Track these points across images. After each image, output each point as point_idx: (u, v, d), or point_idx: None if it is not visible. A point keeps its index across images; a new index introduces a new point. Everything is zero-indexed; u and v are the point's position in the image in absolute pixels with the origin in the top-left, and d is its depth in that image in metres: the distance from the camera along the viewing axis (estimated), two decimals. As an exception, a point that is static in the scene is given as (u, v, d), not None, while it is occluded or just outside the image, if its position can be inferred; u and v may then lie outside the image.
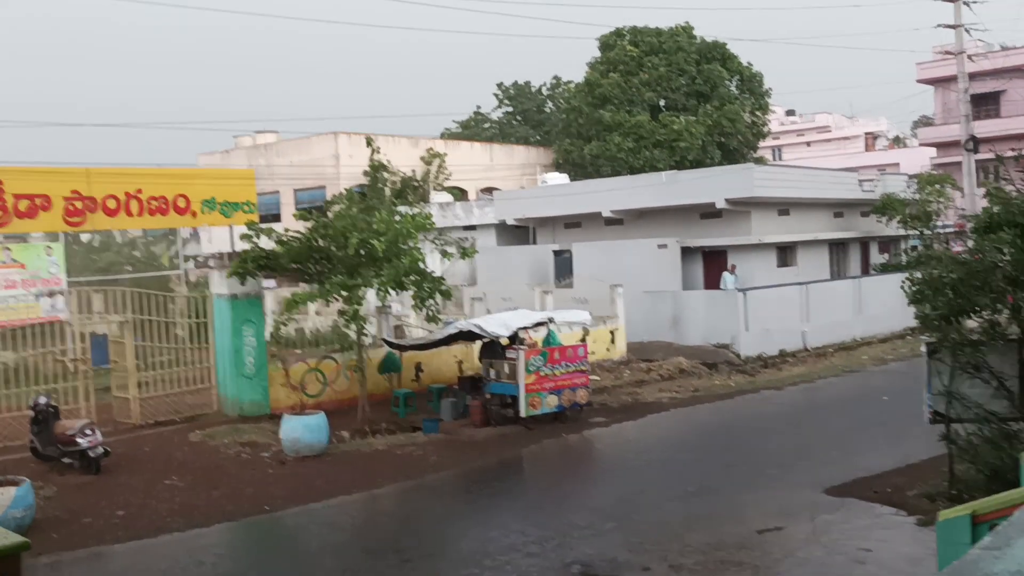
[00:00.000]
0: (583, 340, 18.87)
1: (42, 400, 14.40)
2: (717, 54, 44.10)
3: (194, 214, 18.08)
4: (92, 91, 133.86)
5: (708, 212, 28.70)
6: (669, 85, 43.14)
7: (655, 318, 25.53)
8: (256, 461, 14.73)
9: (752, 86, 44.92)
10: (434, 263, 20.67)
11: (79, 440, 13.64)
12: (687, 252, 28.25)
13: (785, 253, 29.88)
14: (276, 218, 36.49)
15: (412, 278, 16.79)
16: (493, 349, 17.59)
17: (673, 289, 26.92)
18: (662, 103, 44.00)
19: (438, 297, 17.19)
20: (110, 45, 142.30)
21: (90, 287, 26.75)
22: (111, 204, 16.89)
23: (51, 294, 23.78)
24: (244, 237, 17.16)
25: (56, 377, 17.32)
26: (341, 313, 16.68)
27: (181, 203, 17.77)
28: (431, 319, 17.73)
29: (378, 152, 21.65)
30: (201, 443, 15.79)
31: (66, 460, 13.85)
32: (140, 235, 42.59)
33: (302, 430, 14.92)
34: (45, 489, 12.74)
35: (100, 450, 13.87)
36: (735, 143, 42.75)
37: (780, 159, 70.51)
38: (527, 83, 58.29)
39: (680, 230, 28.93)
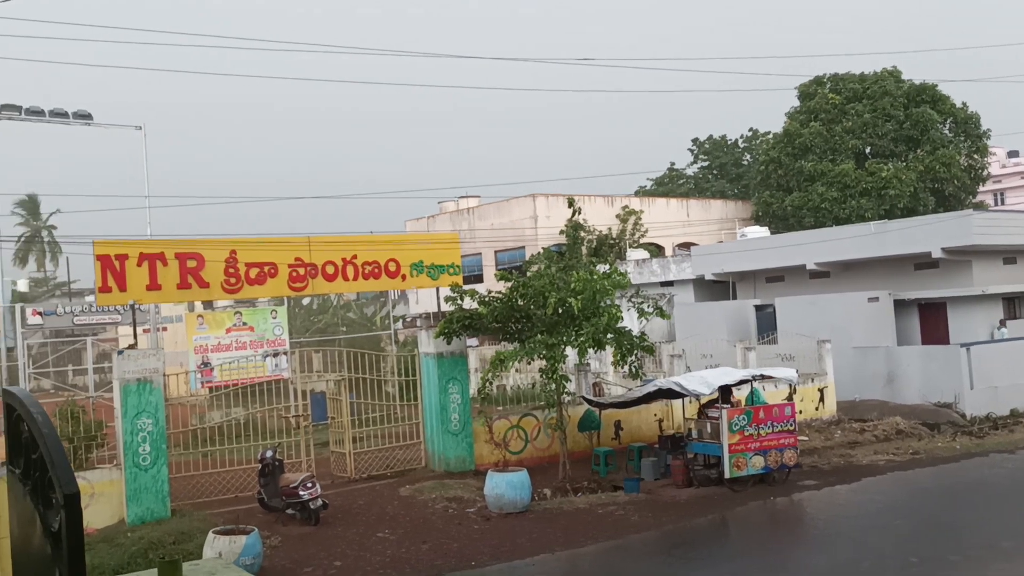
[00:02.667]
0: (790, 398, 18.22)
1: (269, 454, 15.47)
2: (927, 96, 41.97)
3: (403, 277, 19.04)
4: (309, 163, 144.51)
5: (923, 263, 27.13)
6: (875, 131, 41.40)
7: (866, 375, 24.25)
8: (462, 516, 15.11)
9: (968, 128, 42.31)
10: (631, 320, 20.68)
11: (301, 492, 14.53)
12: (900, 305, 26.75)
13: (1013, 304, 27.64)
14: (478, 279, 37.79)
15: (610, 336, 16.89)
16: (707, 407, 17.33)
17: (886, 344, 25.51)
18: (868, 150, 42.25)
19: (639, 353, 17.19)
20: (328, 118, 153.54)
21: (310, 347, 28.68)
22: (330, 270, 18.10)
23: (276, 354, 25.71)
24: (448, 299, 17.90)
25: (280, 432, 18.59)
26: (542, 371, 16.97)
27: (392, 267, 18.78)
28: (634, 375, 17.71)
29: (579, 212, 22.03)
30: (410, 497, 16.39)
31: (289, 511, 14.77)
32: (354, 298, 45.22)
33: (506, 487, 15.20)
34: (271, 538, 13.62)
35: (319, 502, 14.69)
36: (951, 189, 40.29)
37: (1003, 204, 65.57)
38: (723, 137, 57.66)
39: (891, 282, 27.47)
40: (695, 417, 17.64)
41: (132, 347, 15.92)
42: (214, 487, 16.95)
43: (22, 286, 54.53)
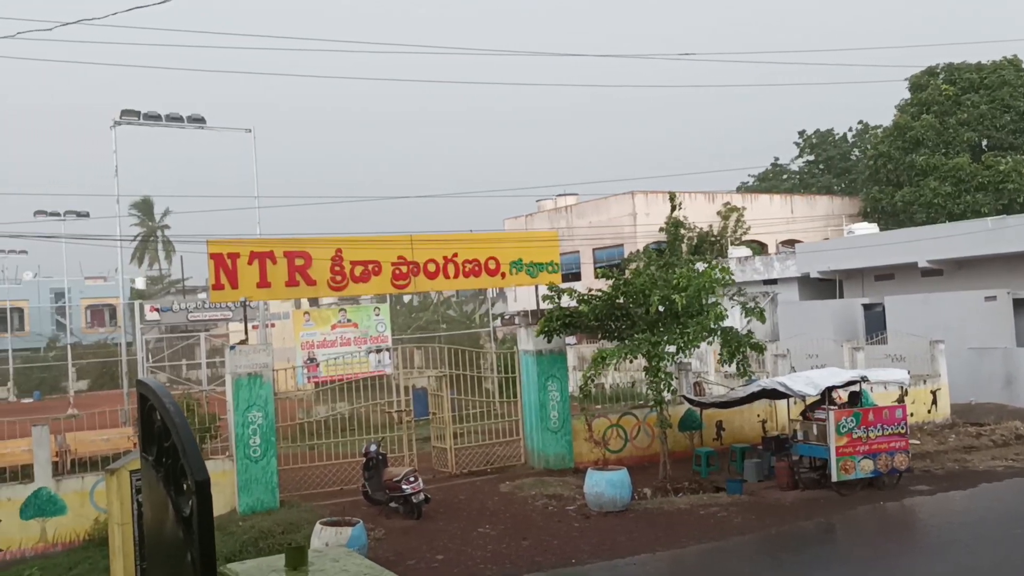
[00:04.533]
0: (900, 400, 17.58)
1: (373, 448, 15.79)
2: (1051, 84, 39.90)
3: (503, 275, 19.15)
4: (405, 164, 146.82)
5: (1045, 260, 25.82)
6: (992, 123, 39.60)
7: (982, 377, 23.25)
8: (561, 514, 15.12)
9: (1095, 118, 40.06)
10: (734, 319, 20.34)
11: (404, 486, 14.80)
12: (1020, 304, 25.51)
13: None
14: (576, 277, 37.72)
15: (716, 334, 16.67)
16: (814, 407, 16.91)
17: (1004, 345, 24.37)
18: (984, 143, 40.42)
19: (746, 351, 16.91)
20: (418, 119, 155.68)
21: (411, 344, 29.14)
22: (431, 268, 18.34)
23: (379, 350, 26.26)
24: (546, 298, 17.94)
25: (383, 427, 18.95)
26: (645, 370, 16.84)
27: (492, 265, 18.91)
28: (742, 374, 17.42)
29: (681, 208, 21.76)
30: (510, 494, 16.49)
31: (392, 505, 15.06)
32: (453, 295, 45.79)
33: (605, 485, 15.14)
34: (375, 531, 13.90)
35: (422, 497, 14.94)
36: (1075, 181, 38.19)
37: None
38: (830, 130, 56.05)
39: (1010, 280, 26.24)
40: (800, 418, 17.22)
41: (243, 343, 16.47)
42: (320, 479, 17.40)
43: (140, 284, 57.07)
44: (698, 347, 16.97)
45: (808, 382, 16.54)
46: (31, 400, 42.09)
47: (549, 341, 18.25)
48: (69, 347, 41.77)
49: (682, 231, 37.12)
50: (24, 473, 15.42)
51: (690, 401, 19.37)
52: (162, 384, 2.97)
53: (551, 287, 17.93)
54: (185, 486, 2.59)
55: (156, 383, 3.01)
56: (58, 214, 36.24)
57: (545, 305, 18.32)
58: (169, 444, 2.72)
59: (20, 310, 53.44)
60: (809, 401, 17.11)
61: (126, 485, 11.30)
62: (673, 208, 20.83)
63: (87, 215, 36.44)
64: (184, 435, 2.60)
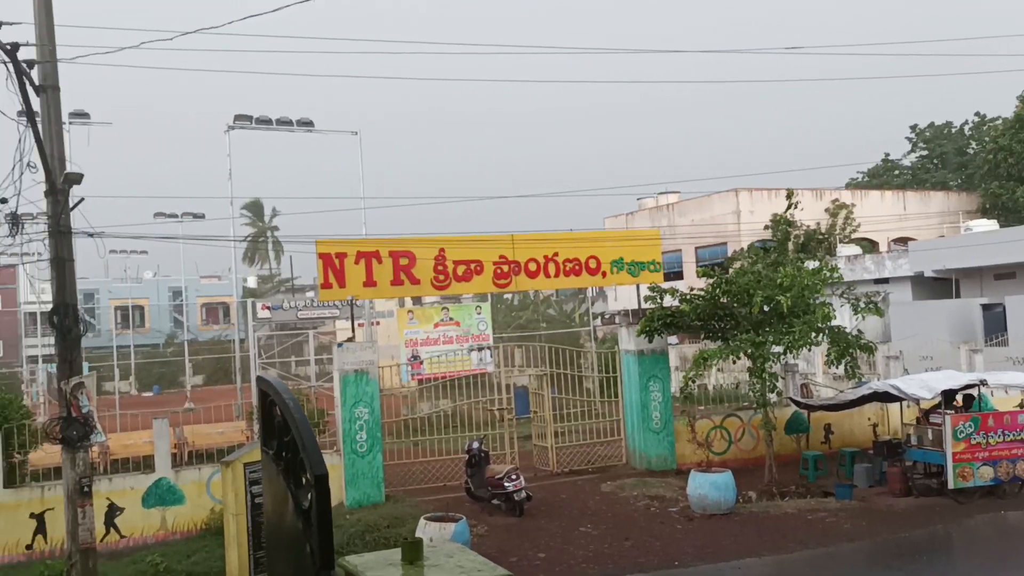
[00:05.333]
0: (1022, 406, 16.78)
1: (475, 445, 15.97)
2: None
3: (604, 274, 19.07)
4: (514, 160, 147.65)
5: None
6: (1125, 112, 37.37)
7: (1115, 382, 21.92)
8: (664, 515, 14.98)
9: None
10: (843, 318, 19.75)
11: (506, 484, 14.91)
12: None
13: None
14: (678, 276, 37.25)
15: (823, 334, 16.23)
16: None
17: None
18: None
19: (855, 353, 16.41)
20: (516, 119, 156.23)
21: (511, 343, 29.32)
22: (532, 267, 18.41)
23: (480, 349, 26.53)
24: (648, 298, 17.78)
25: (484, 424, 19.13)
26: (749, 371, 16.53)
27: (592, 264, 18.85)
28: (851, 376, 16.92)
29: (796, 207, 21.23)
30: (612, 493, 16.43)
31: (495, 502, 15.19)
32: (552, 295, 45.83)
33: (709, 487, 14.93)
34: (478, 527, 14.06)
35: (523, 494, 15.02)
36: None
37: None
38: (946, 123, 53.81)
39: None
40: (914, 423, 16.61)
41: (350, 340, 16.88)
42: (424, 475, 17.68)
43: (251, 283, 59.11)
44: (805, 348, 16.52)
45: (923, 385, 15.94)
46: (151, 394, 44.09)
47: (650, 341, 18.10)
48: (186, 343, 43.59)
49: (788, 229, 36.30)
50: (146, 464, 16.18)
51: (797, 403, 18.91)
52: (281, 381, 3.08)
53: (653, 286, 17.77)
54: (304, 480, 2.69)
55: (277, 380, 3.13)
56: (176, 216, 37.85)
57: (647, 305, 18.17)
58: (289, 439, 2.83)
59: (141, 308, 56.02)
60: (924, 405, 16.49)
61: (240, 477, 11.74)
62: (789, 206, 20.31)
63: (203, 217, 37.96)
64: (304, 431, 2.70)
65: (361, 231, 27.63)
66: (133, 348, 44.16)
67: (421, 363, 25.73)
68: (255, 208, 62.54)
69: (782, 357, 17.12)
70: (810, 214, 38.94)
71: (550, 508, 15.49)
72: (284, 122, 27.66)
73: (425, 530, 12.58)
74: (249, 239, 61.83)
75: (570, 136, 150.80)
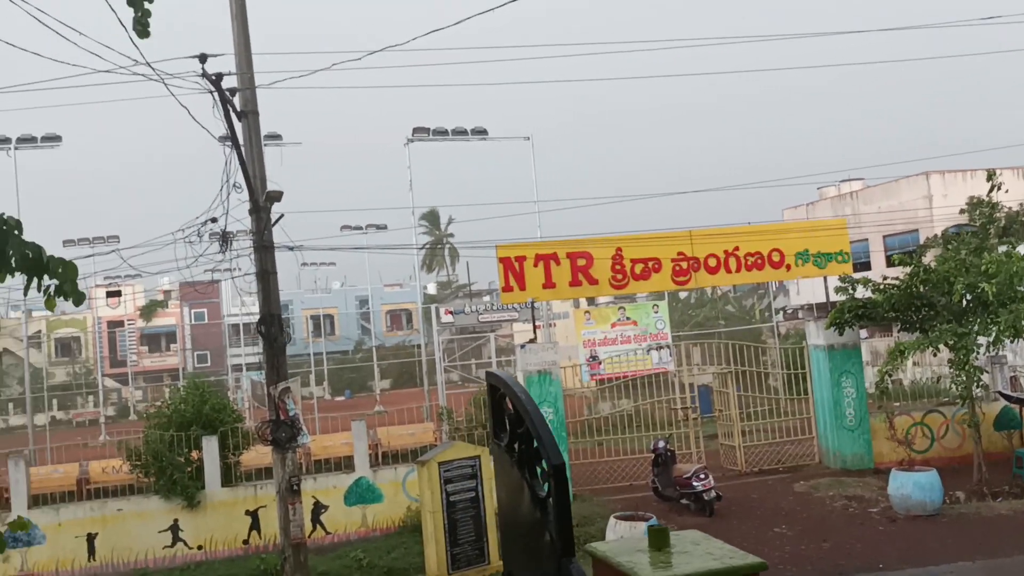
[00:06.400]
0: None
1: (661, 444, 15.85)
2: None
3: (788, 267, 18.49)
4: (685, 156, 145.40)
5: None
6: None
7: None
8: (863, 516, 14.34)
9: None
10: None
11: (694, 483, 14.72)
12: None
13: None
14: (865, 266, 35.52)
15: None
16: None
17: None
18: None
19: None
20: (689, 114, 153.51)
21: (689, 341, 28.90)
22: (711, 263, 18.09)
23: (659, 348, 26.28)
24: (839, 289, 17.07)
25: (666, 424, 18.95)
26: (951, 363, 15.58)
27: (775, 257, 18.32)
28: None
29: (1000, 188, 19.78)
30: (805, 494, 15.89)
31: (683, 501, 15.02)
32: (730, 290, 44.81)
33: (912, 487, 14.16)
34: (668, 527, 13.92)
35: (713, 494, 14.77)
36: None
37: None
38: None
39: None
40: None
41: (532, 341, 17.14)
42: (608, 475, 17.72)
43: (431, 289, 61.08)
44: (1013, 339, 15.36)
45: None
46: (342, 398, 46.35)
47: (841, 334, 17.38)
48: (374, 349, 45.55)
49: (985, 211, 33.89)
50: (345, 464, 17.03)
51: (1007, 397, 17.65)
52: (511, 375, 3.20)
53: (844, 277, 17.04)
54: (538, 469, 2.78)
55: (506, 375, 3.25)
56: (360, 228, 39.61)
57: (836, 297, 17.45)
58: (522, 430, 2.93)
59: (331, 316, 58.99)
60: None
61: (435, 476, 12.18)
62: (992, 188, 19.02)
63: (385, 228, 39.54)
64: (538, 422, 2.80)
65: (536, 234, 28.00)
66: (325, 355, 46.54)
67: (600, 363, 25.76)
68: (432, 217, 64.56)
69: (989, 349, 16.01)
70: (1013, 195, 36.20)
71: (741, 508, 15.15)
72: (459, 132, 28.46)
73: (615, 529, 12.58)
74: (427, 247, 63.94)
75: (742, 125, 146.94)
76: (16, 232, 4.90)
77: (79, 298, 5.06)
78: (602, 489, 17.05)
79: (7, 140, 27.10)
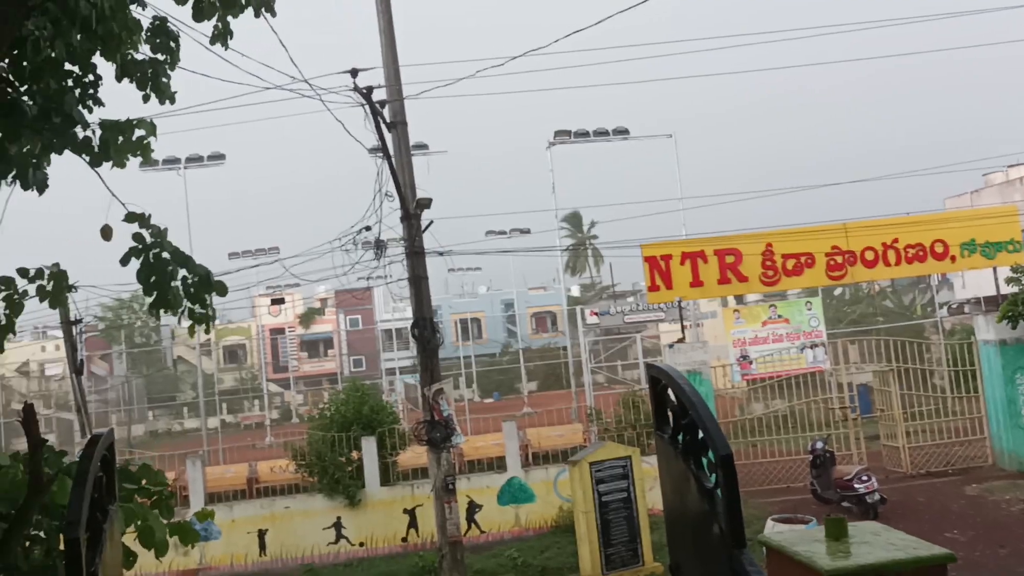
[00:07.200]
0: None
1: (819, 445, 15.34)
2: None
3: (953, 259, 17.57)
4: (836, 146, 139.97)
5: None
6: None
7: None
8: (1045, 522, 13.44)
9: None
10: None
11: (856, 485, 14.17)
12: None
13: None
14: (1038, 256, 33.27)
15: None
16: None
17: None
18: None
19: None
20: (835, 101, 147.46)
21: (844, 338, 27.80)
22: (868, 256, 17.41)
23: (813, 346, 25.39)
24: (1011, 280, 16.06)
25: (823, 424, 18.29)
26: None
27: (938, 248, 17.45)
28: None
29: None
30: (978, 497, 15.02)
31: (844, 504, 14.47)
32: (888, 285, 42.83)
33: (1100, 491, 13.17)
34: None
35: (876, 496, 14.18)
36: None
37: None
38: None
39: None
40: None
41: (680, 341, 16.94)
42: (763, 476, 17.28)
43: (575, 291, 61.19)
44: None
45: None
46: (491, 400, 47.04)
47: (1014, 328, 16.33)
48: (520, 352, 46.05)
49: None
50: (497, 465, 17.31)
51: None
52: (674, 367, 3.21)
53: (1015, 267, 16.04)
54: (704, 460, 2.78)
55: (668, 366, 3.26)
56: (504, 232, 40.17)
57: (1007, 289, 16.43)
58: (687, 421, 2.94)
59: (478, 320, 60.03)
60: None
61: (587, 476, 12.22)
62: None
63: (528, 232, 39.95)
64: (704, 413, 2.80)
65: (681, 232, 27.64)
66: (474, 358, 47.38)
67: (751, 363, 25.13)
68: (574, 220, 64.69)
69: None
70: None
71: (907, 512, 14.47)
72: (600, 133, 28.47)
73: (774, 531, 12.26)
74: (569, 249, 64.09)
75: (897, 111, 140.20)
76: (188, 259, 5.29)
77: (210, 325, 5.47)
78: (757, 491, 16.64)
79: (177, 160, 29.00)
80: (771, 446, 17.89)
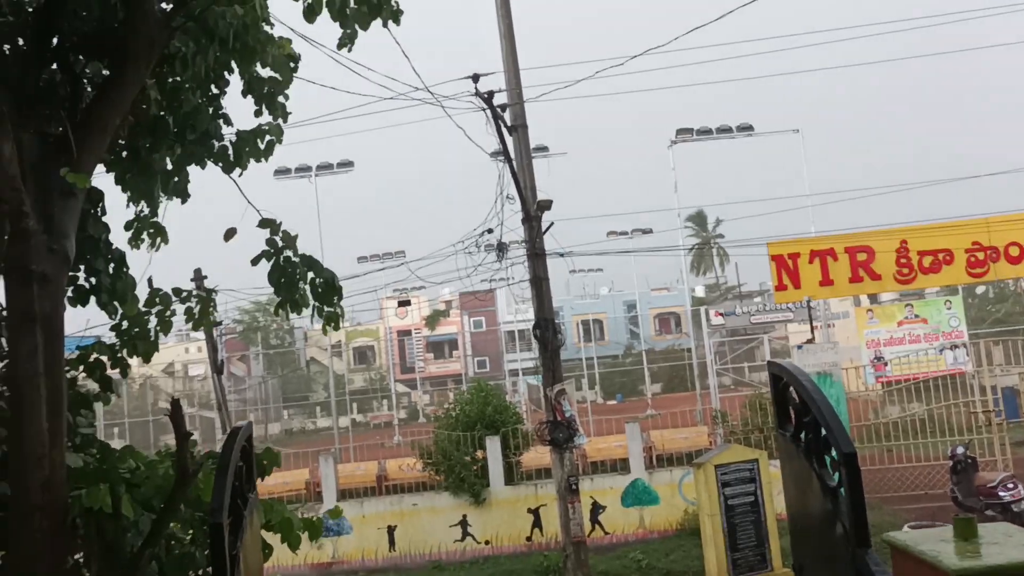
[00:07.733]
0: None
1: (960, 450, 14.64)
2: None
3: (1107, 253, 16.46)
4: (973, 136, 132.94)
5: None
6: None
7: None
8: None
9: None
10: None
11: (1001, 493, 13.47)
12: None
13: None
14: None
15: None
16: None
17: None
18: None
19: None
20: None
21: (989, 339, 26.42)
22: (1013, 252, 16.51)
23: (953, 347, 24.25)
24: None
25: (965, 429, 17.42)
26: None
27: (1091, 242, 16.38)
28: None
29: None
30: None
31: (988, 512, 13.75)
32: (1036, 283, 40.40)
33: None
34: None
35: (1023, 505, 13.43)
36: None
37: None
38: None
39: None
40: None
41: (810, 342, 16.48)
42: (898, 482, 16.61)
43: (699, 291, 60.23)
44: None
45: None
46: (614, 402, 46.82)
47: None
48: (644, 353, 45.67)
49: None
50: (620, 466, 17.24)
51: None
52: (796, 365, 3.16)
53: None
54: (827, 459, 2.73)
55: (790, 363, 3.22)
56: (626, 233, 39.92)
57: None
58: (808, 419, 2.89)
59: (600, 322, 59.88)
60: None
61: (712, 479, 12.04)
62: None
63: (650, 231, 39.58)
64: (826, 411, 2.75)
65: (809, 230, 26.84)
66: (596, 359, 47.24)
67: (885, 364, 24.19)
68: (699, 219, 63.71)
69: None
70: None
71: (1060, 522, 13.63)
72: (724, 130, 27.96)
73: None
74: (694, 249, 63.11)
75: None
76: (316, 263, 5.54)
77: (338, 324, 5.70)
78: (892, 498, 16.00)
79: (308, 168, 30.12)
80: (907, 451, 17.16)
